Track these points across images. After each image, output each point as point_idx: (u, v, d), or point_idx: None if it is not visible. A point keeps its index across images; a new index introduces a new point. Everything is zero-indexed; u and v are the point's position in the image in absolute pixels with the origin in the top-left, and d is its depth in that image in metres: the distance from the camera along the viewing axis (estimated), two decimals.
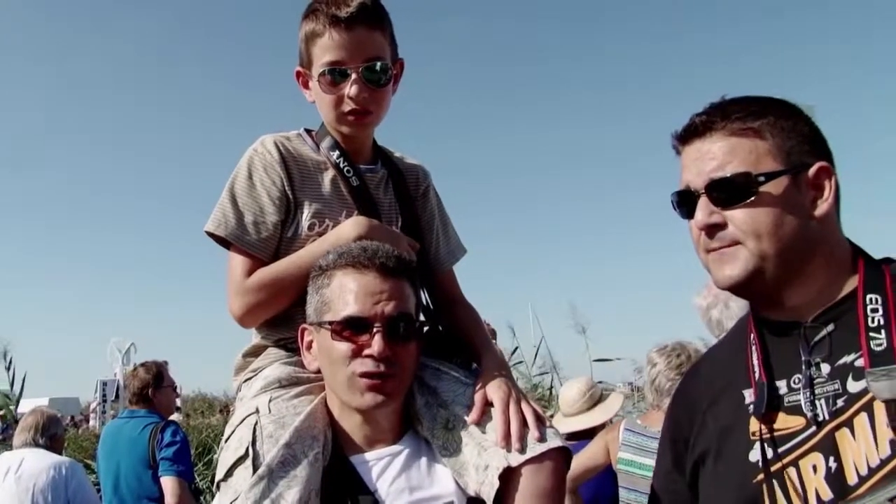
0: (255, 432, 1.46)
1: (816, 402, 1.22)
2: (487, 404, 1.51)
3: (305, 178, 1.72)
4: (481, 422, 1.49)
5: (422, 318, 1.67)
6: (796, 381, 1.26)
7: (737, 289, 1.29)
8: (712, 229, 1.27)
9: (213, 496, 1.48)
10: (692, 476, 1.40)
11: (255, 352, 1.75)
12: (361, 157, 1.80)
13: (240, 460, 1.43)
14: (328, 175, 1.74)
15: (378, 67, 1.67)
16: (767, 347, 1.33)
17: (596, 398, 4.08)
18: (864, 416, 1.16)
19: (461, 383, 1.58)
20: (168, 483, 4.13)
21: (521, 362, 9.83)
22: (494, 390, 1.52)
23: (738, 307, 2.54)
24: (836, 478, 1.16)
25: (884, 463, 1.12)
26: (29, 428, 4.42)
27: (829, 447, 1.18)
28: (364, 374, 1.43)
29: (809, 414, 1.22)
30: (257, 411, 1.51)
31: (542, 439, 1.44)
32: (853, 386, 1.19)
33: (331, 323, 1.46)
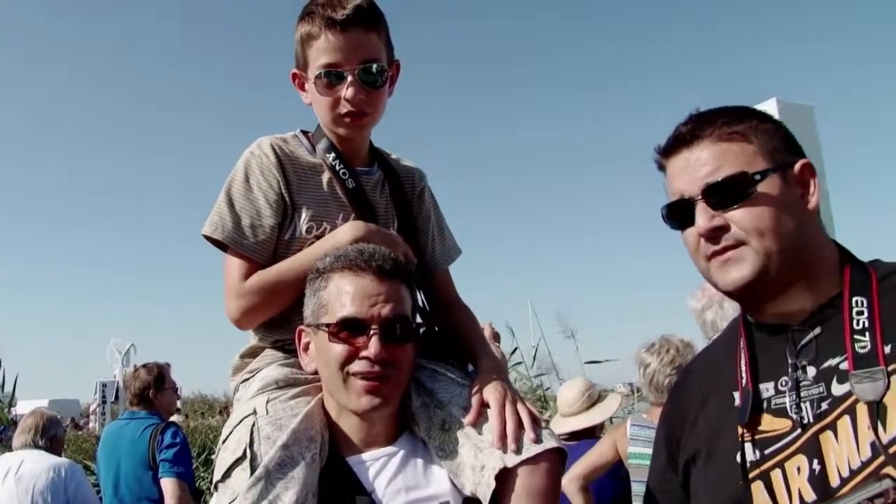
0: (253, 433, 1.47)
1: (802, 404, 1.23)
2: (483, 405, 1.52)
3: (302, 181, 1.73)
4: (477, 423, 1.50)
5: (418, 319, 1.68)
6: (783, 383, 1.27)
7: (742, 291, 1.29)
8: (715, 233, 1.28)
9: (212, 497, 1.49)
10: (684, 475, 1.41)
11: (252, 353, 1.76)
12: (358, 160, 1.81)
13: (237, 461, 1.44)
14: (324, 177, 1.75)
15: (374, 69, 1.68)
16: (756, 351, 1.34)
17: (594, 398, 4.14)
18: (846, 418, 1.17)
19: (457, 384, 1.59)
20: (168, 484, 4.14)
21: (520, 363, 9.81)
22: (490, 391, 1.53)
23: (732, 309, 2.55)
24: (819, 480, 1.17)
25: (865, 465, 1.13)
26: (29, 429, 4.43)
27: (813, 450, 1.19)
28: (361, 376, 1.45)
29: (795, 417, 1.23)
30: (255, 412, 1.52)
31: (537, 440, 1.45)
32: (837, 389, 1.20)
33: (328, 325, 1.47)
